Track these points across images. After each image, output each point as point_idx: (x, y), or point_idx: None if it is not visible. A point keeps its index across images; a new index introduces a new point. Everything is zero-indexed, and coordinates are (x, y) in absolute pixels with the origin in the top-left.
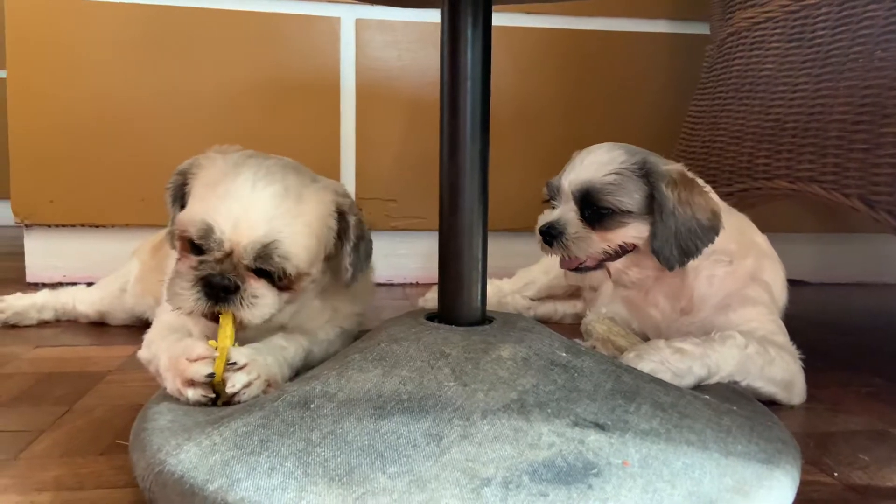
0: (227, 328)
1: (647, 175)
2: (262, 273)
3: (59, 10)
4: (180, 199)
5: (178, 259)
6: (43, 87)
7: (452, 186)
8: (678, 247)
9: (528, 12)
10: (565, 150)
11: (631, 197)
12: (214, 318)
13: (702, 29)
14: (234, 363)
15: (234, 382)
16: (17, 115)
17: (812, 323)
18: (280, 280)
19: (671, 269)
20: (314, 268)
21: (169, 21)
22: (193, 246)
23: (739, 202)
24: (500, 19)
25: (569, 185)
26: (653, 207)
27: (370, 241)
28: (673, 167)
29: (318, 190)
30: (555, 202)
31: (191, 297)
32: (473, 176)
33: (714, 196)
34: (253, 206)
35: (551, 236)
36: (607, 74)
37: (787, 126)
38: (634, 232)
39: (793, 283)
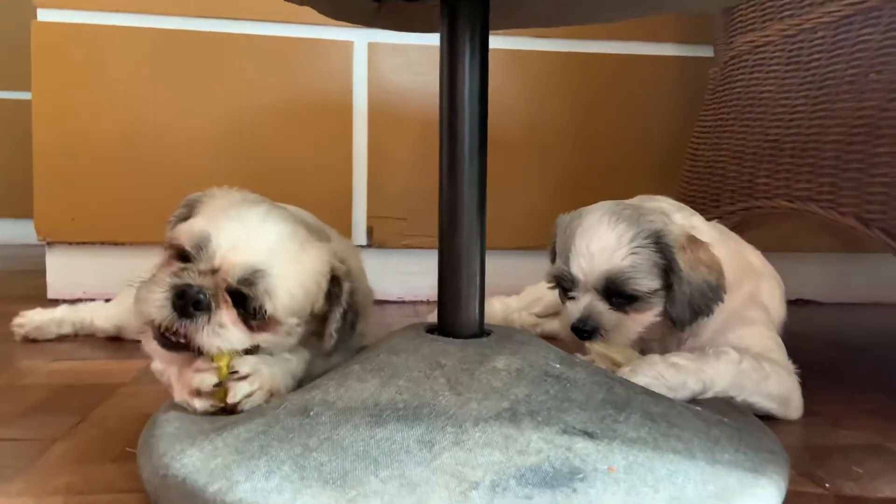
0: None
1: (661, 249)
2: (238, 302)
3: (84, 34)
4: None
5: (156, 271)
6: (66, 108)
7: (451, 206)
8: (691, 310)
9: (539, 36)
10: (575, 171)
11: (652, 275)
12: (168, 343)
13: (708, 52)
14: (236, 372)
15: (236, 392)
16: (41, 136)
17: (820, 341)
18: (254, 316)
19: (683, 330)
20: (291, 319)
21: (188, 45)
22: (181, 257)
23: (742, 222)
24: (510, 43)
25: (585, 276)
26: (667, 275)
27: (358, 314)
28: (678, 228)
29: (320, 248)
30: (572, 293)
31: (156, 302)
32: (472, 196)
33: (715, 247)
34: (258, 236)
35: (588, 332)
36: (616, 96)
37: (786, 146)
38: (660, 307)
39: (804, 304)
